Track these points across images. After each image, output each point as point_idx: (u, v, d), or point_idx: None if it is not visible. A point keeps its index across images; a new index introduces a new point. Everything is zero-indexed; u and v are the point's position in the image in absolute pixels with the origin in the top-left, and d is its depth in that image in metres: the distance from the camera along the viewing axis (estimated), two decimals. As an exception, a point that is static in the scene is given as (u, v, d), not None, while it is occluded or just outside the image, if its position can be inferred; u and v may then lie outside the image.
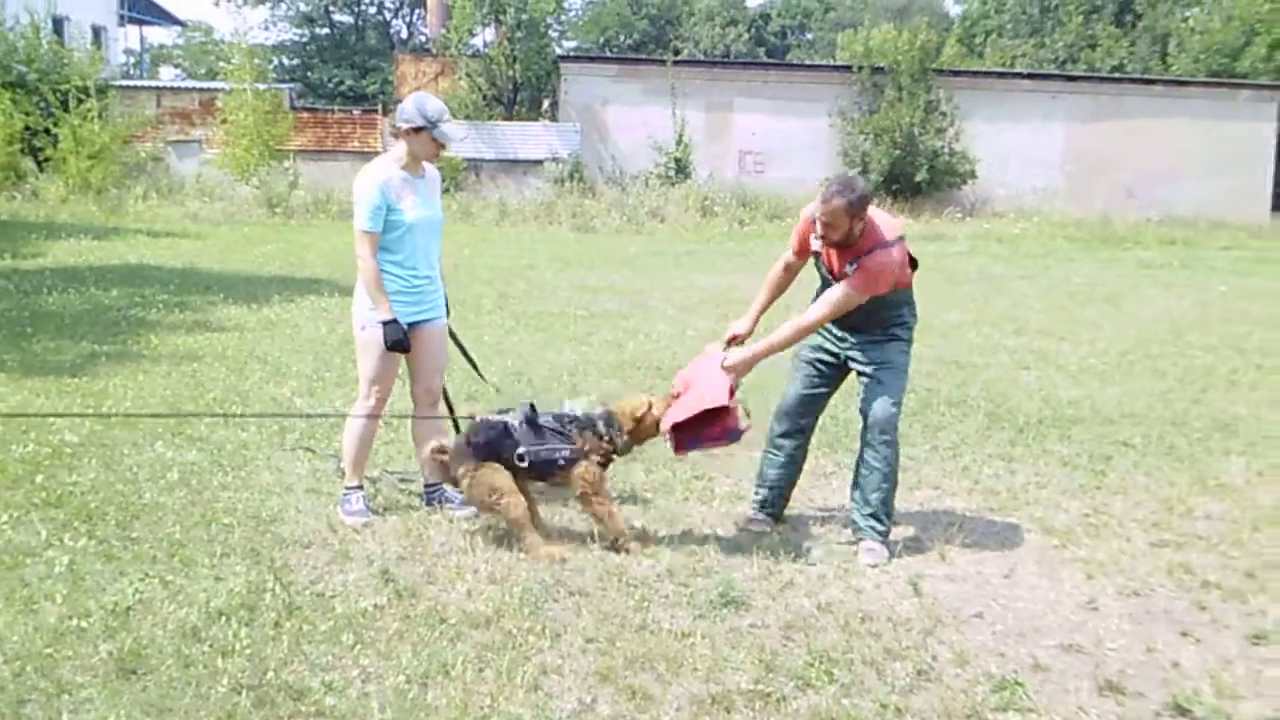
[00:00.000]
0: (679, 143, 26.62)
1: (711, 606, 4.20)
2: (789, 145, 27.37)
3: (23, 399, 7.09)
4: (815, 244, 4.87)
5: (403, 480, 5.67)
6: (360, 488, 5.21)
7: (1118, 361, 9.72)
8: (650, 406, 4.91)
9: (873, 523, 4.91)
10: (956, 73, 28.98)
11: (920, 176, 26.62)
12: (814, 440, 6.56)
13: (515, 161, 26.98)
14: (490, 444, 4.82)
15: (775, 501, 5.26)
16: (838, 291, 4.78)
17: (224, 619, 3.95)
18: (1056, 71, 35.43)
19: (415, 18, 57.92)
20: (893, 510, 4.99)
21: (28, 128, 23.49)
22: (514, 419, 4.87)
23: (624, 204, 24.32)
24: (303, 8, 56.88)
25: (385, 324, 4.94)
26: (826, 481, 6.01)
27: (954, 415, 7.53)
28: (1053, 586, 4.60)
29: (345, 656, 3.73)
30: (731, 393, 4.77)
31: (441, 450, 4.95)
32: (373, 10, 59.35)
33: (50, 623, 3.90)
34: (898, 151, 26.42)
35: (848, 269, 4.76)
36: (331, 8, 57.06)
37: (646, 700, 3.51)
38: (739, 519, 5.26)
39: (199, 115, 27.09)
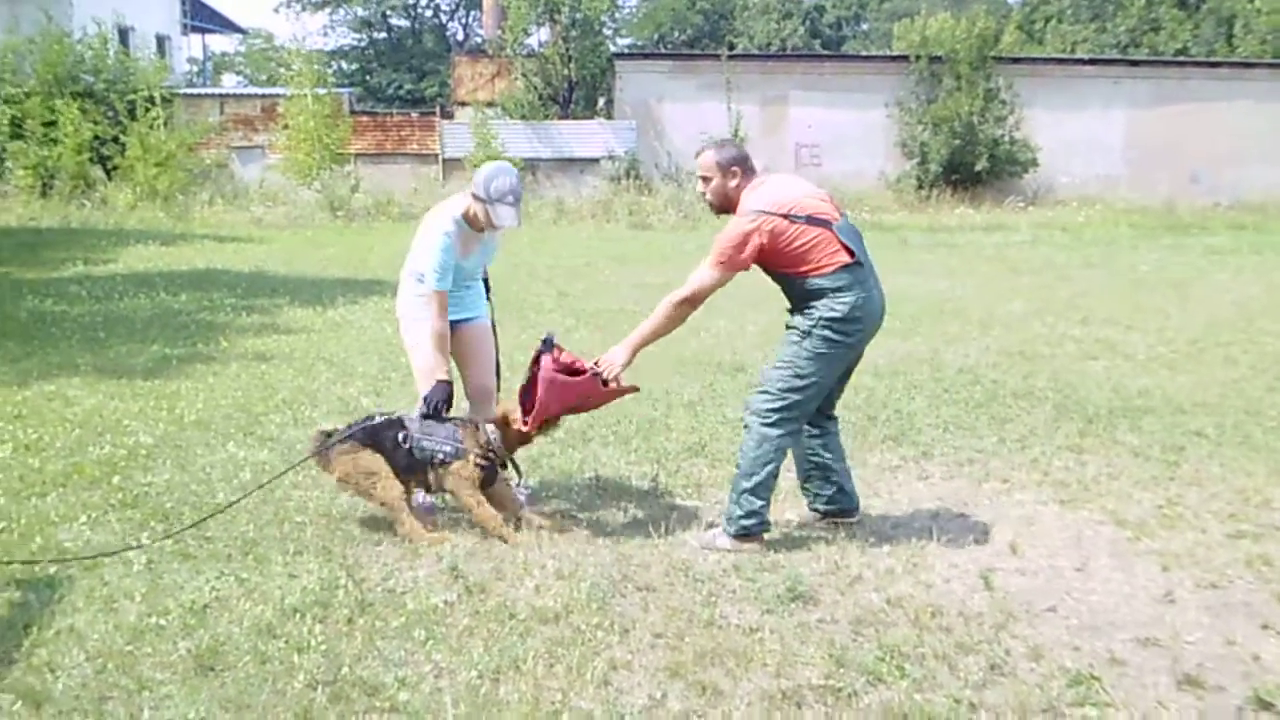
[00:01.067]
0: (734, 137, 26.51)
1: (779, 601, 4.19)
2: (846, 137, 27.13)
3: (98, 401, 7.26)
4: None
5: None
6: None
7: (1188, 350, 9.52)
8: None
9: (729, 507, 4.83)
10: (1016, 60, 28.47)
11: (980, 166, 26.25)
12: (879, 434, 6.58)
13: (572, 160, 27.06)
14: (374, 431, 4.93)
15: (806, 494, 5.16)
16: (699, 266, 4.75)
17: (298, 616, 4.02)
18: (1119, 56, 34.73)
19: (471, 20, 58.34)
20: (750, 502, 4.73)
21: (96, 136, 23.96)
22: (408, 413, 5.02)
23: (680, 200, 24.27)
24: (360, 13, 57.54)
25: (439, 381, 5.00)
26: (893, 475, 5.96)
27: (1021, 407, 7.42)
28: (1127, 579, 4.52)
29: (417, 652, 3.78)
30: (576, 374, 4.80)
31: (328, 434, 5.04)
32: (429, 14, 59.88)
33: (130, 621, 3.99)
34: (957, 141, 26.07)
35: None
36: (389, 12, 57.66)
37: (717, 695, 3.51)
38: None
39: (261, 121, 27.49)
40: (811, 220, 4.65)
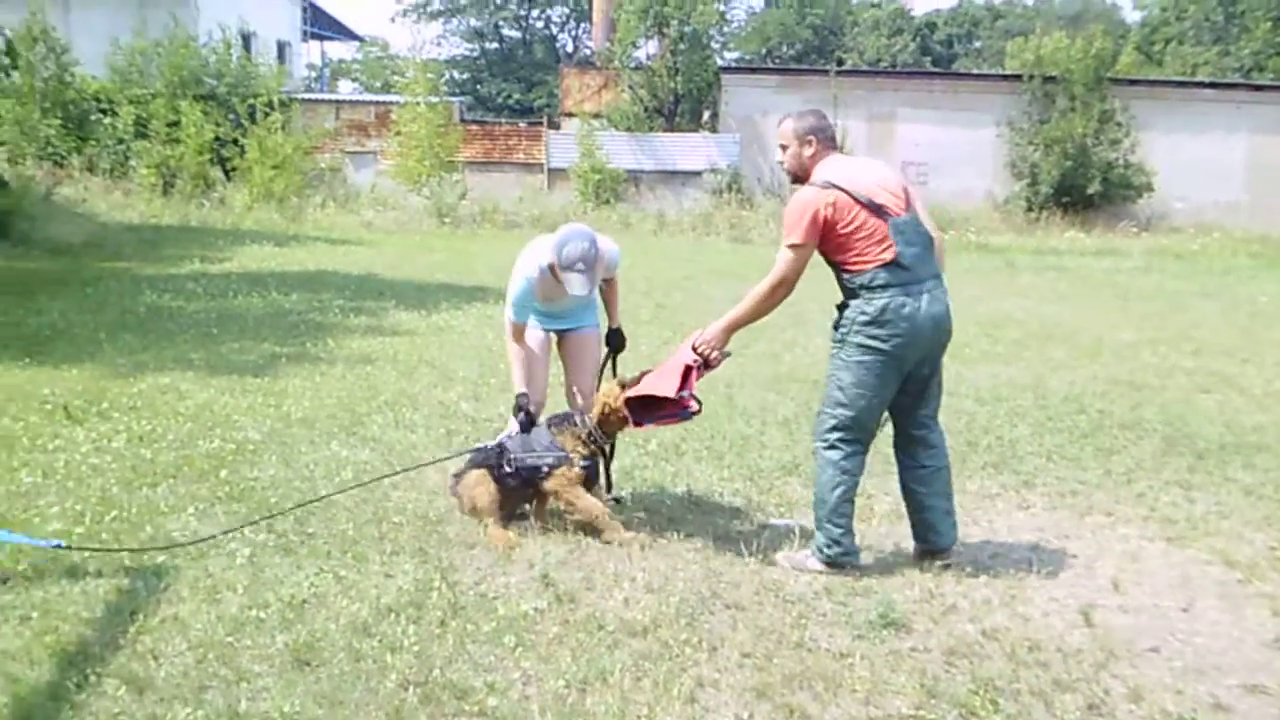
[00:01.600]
0: (840, 153, 26.30)
1: (871, 627, 4.13)
2: (954, 156, 26.76)
3: (209, 396, 7.50)
4: None
5: None
6: None
7: (1308, 387, 9.15)
8: (619, 391, 4.99)
9: (816, 533, 4.76)
10: (1134, 82, 27.79)
11: (1093, 189, 25.66)
12: (979, 460, 6.45)
13: (674, 173, 27.15)
14: (484, 457, 5.16)
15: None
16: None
17: (393, 615, 4.09)
18: (1241, 80, 33.65)
19: (581, 31, 59.04)
20: (829, 530, 4.65)
21: (217, 138, 24.79)
22: (507, 436, 5.22)
23: (782, 215, 24.16)
24: (473, 23, 58.59)
25: (519, 395, 5.23)
26: (992, 503, 5.84)
27: (1128, 439, 7.21)
28: (1235, 622, 4.36)
29: (507, 658, 3.82)
30: (685, 379, 4.77)
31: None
32: (540, 25, 60.71)
33: (231, 612, 4.10)
34: (1069, 163, 25.54)
35: None
36: (501, 23, 58.61)
37: (804, 719, 3.48)
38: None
39: (374, 127, 28.18)
40: (871, 207, 4.52)
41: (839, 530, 4.66)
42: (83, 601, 4.14)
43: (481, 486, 5.07)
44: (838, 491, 4.65)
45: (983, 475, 6.30)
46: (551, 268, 5.02)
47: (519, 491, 5.14)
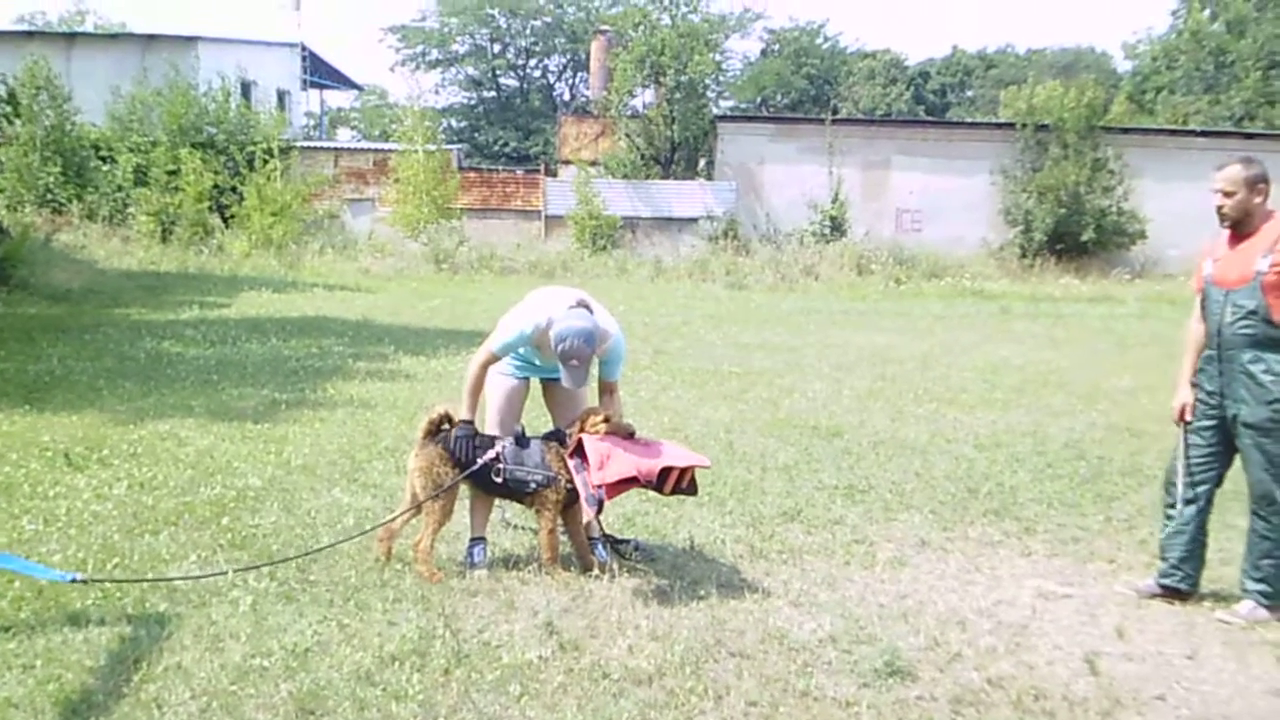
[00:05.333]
0: (835, 200, 26.53)
1: (876, 675, 4.11)
2: (948, 204, 26.98)
3: (210, 443, 7.49)
4: (1206, 267, 4.97)
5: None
6: (482, 540, 5.39)
7: (1306, 433, 9.15)
8: (603, 419, 5.09)
9: (1261, 587, 4.91)
10: (1126, 130, 28.09)
11: (1086, 236, 25.87)
12: (980, 507, 6.46)
13: (670, 219, 27.32)
14: (467, 447, 5.19)
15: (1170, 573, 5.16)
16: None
17: (396, 664, 4.08)
18: (1233, 129, 33.99)
19: (578, 80, 59.60)
20: None
21: (216, 186, 24.95)
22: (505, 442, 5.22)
23: (778, 262, 24.35)
24: (471, 72, 59.17)
25: (462, 421, 5.26)
26: (994, 550, 5.81)
27: (1128, 485, 7.23)
28: (1240, 670, 4.35)
29: (512, 707, 3.80)
30: (662, 476, 4.95)
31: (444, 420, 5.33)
32: (537, 74, 61.32)
33: (235, 660, 4.08)
34: (1063, 210, 25.77)
35: (1259, 263, 4.76)
36: (498, 71, 59.19)
37: (811, 768, 3.46)
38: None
39: (373, 175, 28.39)
40: None
41: None
42: (85, 649, 4.13)
43: (444, 501, 5.12)
44: None
45: (984, 522, 6.29)
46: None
47: (501, 495, 5.32)
